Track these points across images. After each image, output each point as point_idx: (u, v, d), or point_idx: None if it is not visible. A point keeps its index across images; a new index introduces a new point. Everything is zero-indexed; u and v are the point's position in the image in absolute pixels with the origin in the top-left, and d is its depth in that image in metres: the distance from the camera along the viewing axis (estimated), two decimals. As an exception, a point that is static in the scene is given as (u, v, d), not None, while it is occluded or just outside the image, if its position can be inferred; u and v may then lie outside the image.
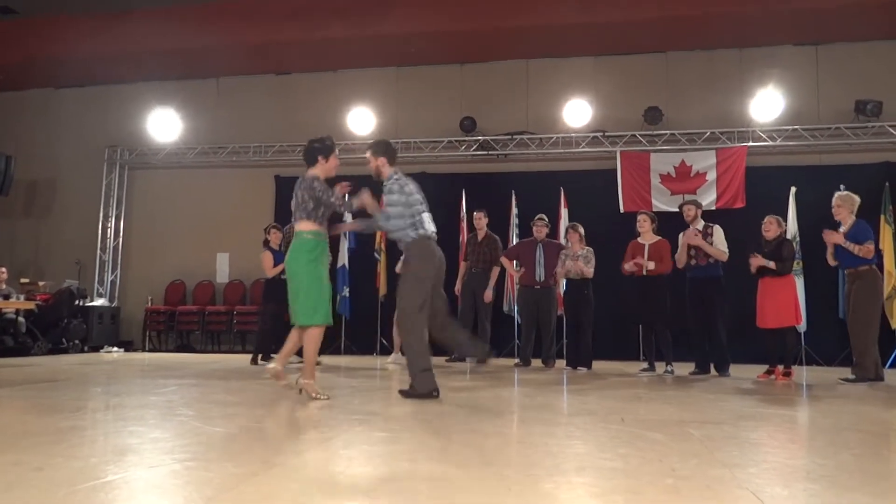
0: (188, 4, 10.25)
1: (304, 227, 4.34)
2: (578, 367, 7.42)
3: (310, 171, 4.48)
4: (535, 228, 8.11)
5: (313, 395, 4.26)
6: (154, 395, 4.50)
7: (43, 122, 11.92)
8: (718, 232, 6.89)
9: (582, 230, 7.68)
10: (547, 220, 8.26)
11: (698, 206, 7.23)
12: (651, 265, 7.03)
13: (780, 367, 6.49)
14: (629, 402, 4.49)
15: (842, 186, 8.66)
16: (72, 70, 11.39)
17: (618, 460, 2.52)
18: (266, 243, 7.92)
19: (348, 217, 6.59)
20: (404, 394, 4.38)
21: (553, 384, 5.84)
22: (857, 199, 6.43)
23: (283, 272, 7.62)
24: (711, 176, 9.62)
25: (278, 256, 7.69)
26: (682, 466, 2.40)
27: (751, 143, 9.70)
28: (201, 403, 4.13)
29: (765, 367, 6.66)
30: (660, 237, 7.25)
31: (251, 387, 5.20)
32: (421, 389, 4.31)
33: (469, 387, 5.52)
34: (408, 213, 4.50)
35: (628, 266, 7.16)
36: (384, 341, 9.91)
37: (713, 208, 9.37)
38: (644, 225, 7.28)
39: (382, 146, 4.76)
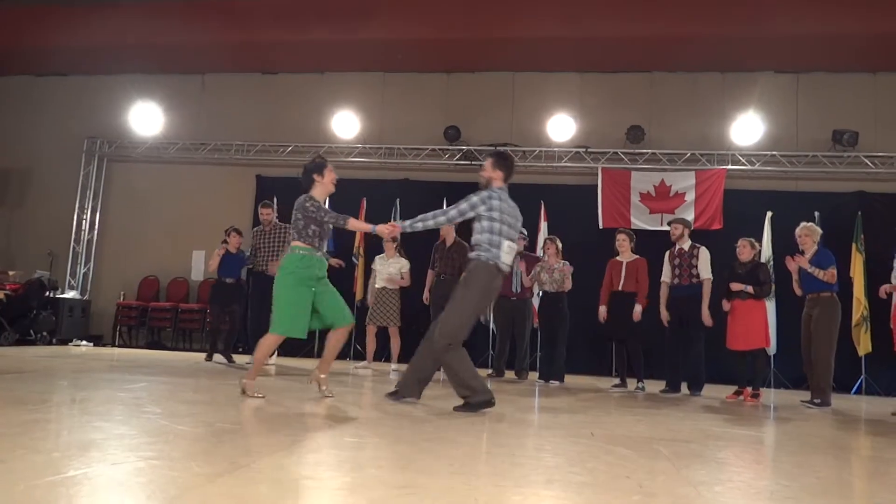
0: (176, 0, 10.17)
1: (295, 243, 4.52)
2: (551, 381, 7.44)
3: (311, 192, 4.63)
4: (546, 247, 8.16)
5: (252, 394, 4.36)
6: (122, 392, 4.43)
7: (22, 109, 11.74)
8: (704, 254, 6.91)
9: (559, 243, 7.73)
10: (525, 232, 8.28)
11: (686, 224, 7.25)
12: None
13: (749, 389, 6.56)
14: (599, 417, 4.51)
15: (816, 214, 8.84)
16: (54, 59, 11.22)
17: (586, 475, 2.53)
18: (223, 244, 7.84)
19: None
20: (463, 409, 4.26)
21: (525, 396, 5.85)
22: (819, 230, 6.63)
23: (225, 277, 7.76)
24: (690, 196, 9.73)
25: (232, 259, 7.66)
26: (649, 483, 2.42)
27: (730, 166, 9.84)
28: (169, 401, 4.08)
29: (733, 388, 6.73)
30: (637, 256, 7.31)
31: (220, 386, 5.14)
32: (479, 398, 4.25)
33: (440, 396, 5.51)
34: (487, 229, 4.38)
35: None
36: (358, 346, 9.87)
37: (691, 229, 9.48)
38: (623, 244, 7.34)
39: (504, 162, 4.62)
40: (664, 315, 7.00)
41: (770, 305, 8.60)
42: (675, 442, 3.52)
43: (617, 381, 7.32)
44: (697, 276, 6.85)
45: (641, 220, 9.74)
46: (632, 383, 7.13)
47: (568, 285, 7.48)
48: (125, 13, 10.25)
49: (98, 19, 10.30)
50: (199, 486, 2.02)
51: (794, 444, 3.89)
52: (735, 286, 6.61)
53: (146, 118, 11.03)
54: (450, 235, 8.17)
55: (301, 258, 4.47)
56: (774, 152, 9.82)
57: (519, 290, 7.92)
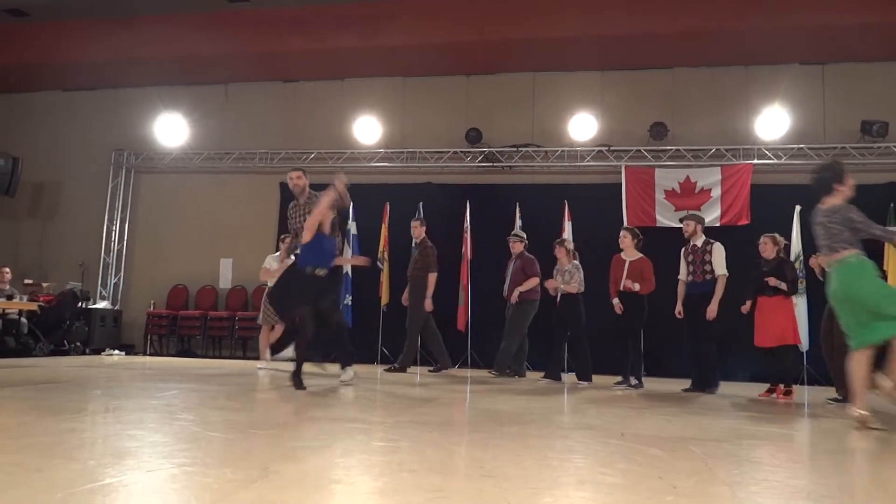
0: (197, 12, 10.31)
1: (848, 252, 4.27)
2: (580, 381, 7.41)
3: (830, 200, 4.44)
4: (509, 244, 8.25)
5: (871, 424, 4.03)
6: (154, 399, 4.49)
7: (51, 124, 11.98)
8: (717, 250, 6.77)
9: (569, 245, 7.71)
10: (521, 236, 8.29)
11: (698, 220, 7.11)
12: (636, 286, 7.06)
13: (781, 386, 6.45)
14: (629, 418, 4.47)
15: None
16: (80, 73, 11.45)
17: (617, 475, 2.50)
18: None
19: None
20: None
21: (553, 397, 5.82)
22: None
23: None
24: (716, 192, 9.61)
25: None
26: (682, 483, 2.39)
27: (756, 161, 9.71)
28: (201, 408, 4.12)
29: (764, 386, 6.63)
30: (641, 255, 7.25)
31: (252, 393, 5.19)
32: None
33: (467, 398, 5.50)
34: None
35: (627, 283, 7.16)
36: (385, 350, 9.91)
37: (717, 224, 9.37)
38: (625, 241, 7.31)
39: None
40: (677, 310, 6.94)
41: (801, 301, 8.47)
42: (708, 441, 3.47)
43: (620, 378, 7.28)
44: (711, 272, 6.72)
45: (667, 217, 9.64)
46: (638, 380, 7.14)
47: (574, 287, 7.44)
48: (146, 26, 10.45)
49: (122, 33, 10.50)
50: (233, 493, 2.03)
51: (831, 442, 3.82)
52: (773, 281, 6.47)
53: (171, 129, 11.20)
54: (419, 237, 8.35)
55: (870, 265, 4.30)
56: (802, 145, 9.67)
57: (507, 293, 8.03)
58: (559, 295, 7.72)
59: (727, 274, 6.70)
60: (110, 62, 10.99)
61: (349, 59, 10.54)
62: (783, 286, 6.44)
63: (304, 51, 10.41)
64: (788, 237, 8.49)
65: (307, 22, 10.13)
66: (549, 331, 7.86)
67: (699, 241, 6.91)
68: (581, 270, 7.53)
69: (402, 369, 8.19)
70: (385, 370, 8.23)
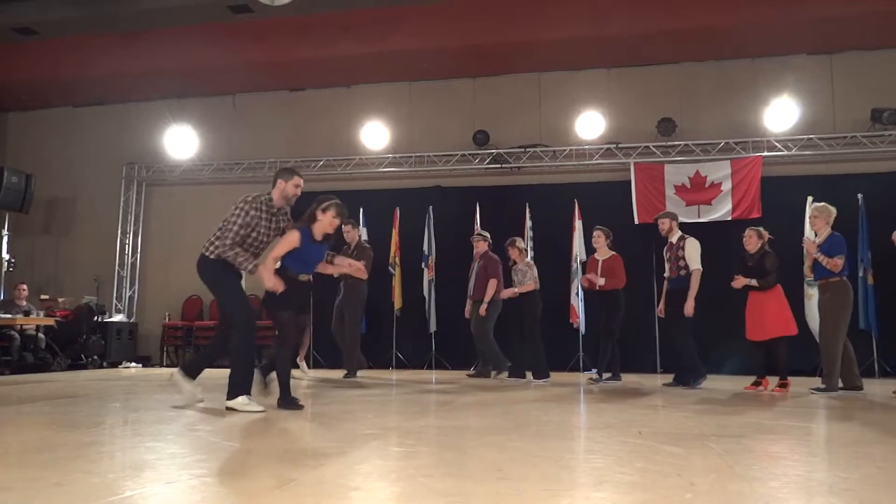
0: (203, 24, 10.37)
1: None
2: (536, 380, 7.37)
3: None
4: (473, 244, 8.23)
5: None
6: (172, 411, 4.52)
7: (62, 140, 12.10)
8: (690, 245, 6.78)
9: (521, 244, 7.70)
10: (485, 235, 8.26)
11: (673, 217, 7.19)
12: (601, 281, 7.12)
13: (767, 380, 6.47)
14: (646, 416, 4.45)
15: (859, 196, 8.61)
16: (90, 89, 11.57)
17: (636, 474, 2.49)
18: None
19: None
20: None
21: (569, 396, 5.81)
22: (833, 210, 6.35)
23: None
24: (727, 186, 9.56)
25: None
26: (701, 481, 2.37)
27: (766, 153, 9.65)
28: (218, 419, 4.14)
29: (752, 379, 6.62)
30: (613, 252, 7.32)
31: (267, 402, 5.20)
32: None
33: (482, 401, 5.50)
34: None
35: (583, 282, 7.39)
36: (399, 355, 9.92)
37: (729, 218, 9.33)
38: (598, 241, 7.38)
39: None
40: (658, 309, 7.11)
41: (814, 292, 8.39)
42: (726, 437, 3.45)
43: (598, 373, 7.30)
44: (685, 268, 6.74)
45: (677, 212, 9.58)
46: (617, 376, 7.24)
47: (529, 285, 7.43)
48: (153, 40, 10.52)
49: (129, 48, 10.59)
50: (251, 502, 2.04)
51: (851, 435, 3.78)
52: (737, 283, 6.49)
53: (181, 141, 11.28)
54: (353, 241, 7.84)
55: None
56: (812, 136, 9.60)
57: (471, 292, 8.03)
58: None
59: (701, 269, 6.71)
60: (119, 77, 11.09)
61: (355, 65, 10.58)
62: (753, 283, 6.41)
63: (310, 59, 10.45)
64: (801, 229, 8.43)
65: (312, 30, 10.17)
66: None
67: (675, 237, 6.97)
68: (534, 268, 7.54)
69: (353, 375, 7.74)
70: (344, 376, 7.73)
